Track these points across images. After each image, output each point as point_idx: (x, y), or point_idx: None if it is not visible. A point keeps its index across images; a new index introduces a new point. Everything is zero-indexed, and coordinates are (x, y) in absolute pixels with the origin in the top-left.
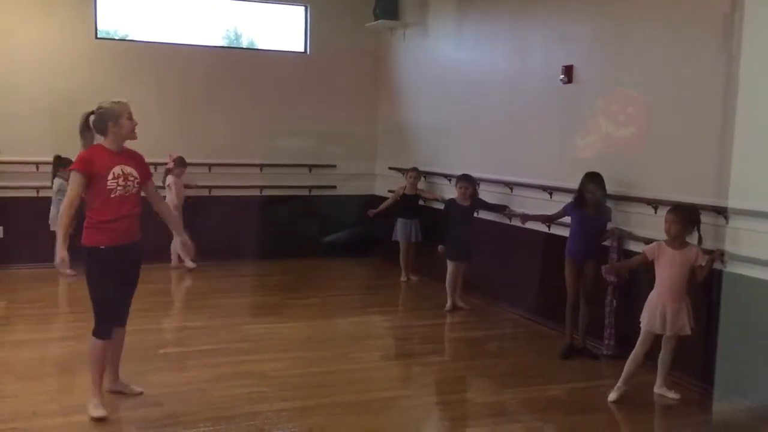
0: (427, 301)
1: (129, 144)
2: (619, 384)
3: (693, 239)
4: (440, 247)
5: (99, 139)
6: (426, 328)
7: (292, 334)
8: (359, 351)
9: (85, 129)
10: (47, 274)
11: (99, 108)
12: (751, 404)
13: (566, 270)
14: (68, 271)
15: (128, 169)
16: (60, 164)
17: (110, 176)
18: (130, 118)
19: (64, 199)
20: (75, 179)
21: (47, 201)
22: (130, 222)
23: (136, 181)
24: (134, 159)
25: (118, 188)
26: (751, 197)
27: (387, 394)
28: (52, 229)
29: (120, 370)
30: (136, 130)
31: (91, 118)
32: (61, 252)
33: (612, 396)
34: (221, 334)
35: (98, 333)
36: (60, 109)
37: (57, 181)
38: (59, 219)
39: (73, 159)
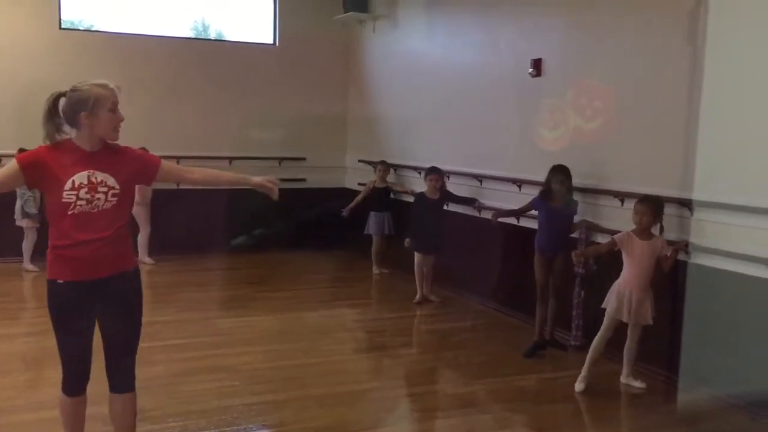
0: (397, 293)
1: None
2: (584, 373)
3: (655, 230)
4: (407, 241)
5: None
6: (397, 321)
7: (262, 328)
8: (330, 344)
9: (52, 115)
10: (12, 269)
11: (73, 90)
12: (716, 393)
13: (536, 264)
14: None
15: (100, 177)
16: None
17: (67, 185)
18: (113, 110)
19: (27, 193)
20: (8, 166)
21: (11, 194)
22: (100, 248)
23: (111, 192)
24: (116, 160)
25: (79, 203)
26: (716, 189)
27: (358, 387)
28: (17, 224)
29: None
30: (120, 129)
31: (61, 102)
32: None
33: (579, 386)
34: (191, 328)
35: (63, 386)
36: (23, 102)
37: None
38: None
39: None
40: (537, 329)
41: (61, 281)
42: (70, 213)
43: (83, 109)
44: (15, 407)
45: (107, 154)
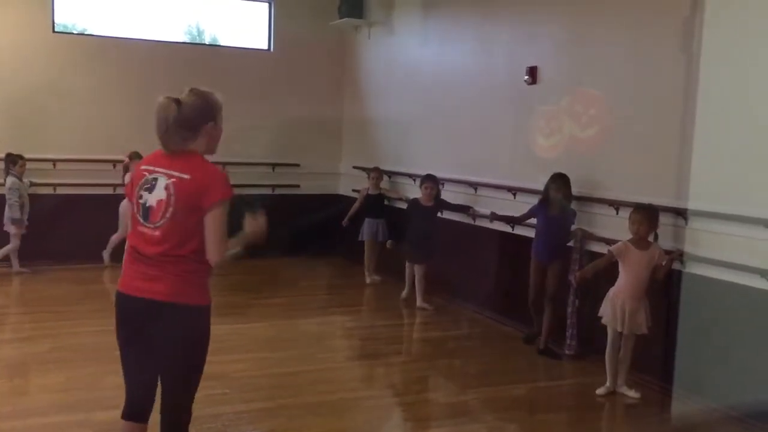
0: (391, 301)
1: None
2: (608, 384)
3: (651, 239)
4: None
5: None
6: (390, 329)
7: (255, 335)
8: (323, 351)
9: (180, 122)
10: None
11: (203, 95)
12: (710, 403)
13: (531, 271)
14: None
15: None
16: (12, 162)
17: None
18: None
19: (12, 198)
20: (224, 211)
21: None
22: None
23: None
24: None
25: None
26: (710, 199)
27: (350, 395)
28: (5, 229)
29: (77, 371)
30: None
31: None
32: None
33: (600, 390)
34: None
35: (189, 419)
36: (14, 105)
37: (9, 179)
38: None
39: (26, 156)
40: (536, 325)
41: (209, 303)
42: None
43: (212, 118)
44: (1, 414)
45: None
